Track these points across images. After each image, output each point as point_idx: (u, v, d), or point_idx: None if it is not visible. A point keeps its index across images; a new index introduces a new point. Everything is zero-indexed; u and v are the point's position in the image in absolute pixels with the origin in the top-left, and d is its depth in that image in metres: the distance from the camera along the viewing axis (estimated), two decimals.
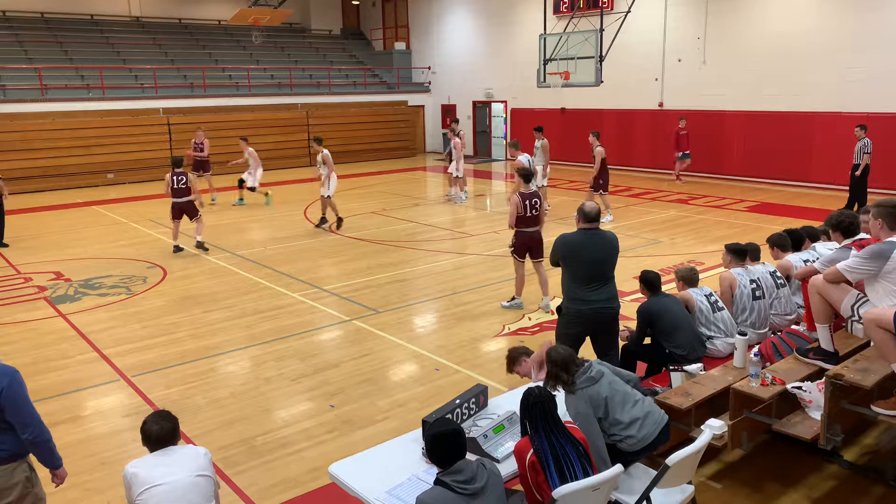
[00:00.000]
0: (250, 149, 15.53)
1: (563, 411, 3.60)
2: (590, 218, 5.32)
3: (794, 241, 6.35)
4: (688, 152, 18.02)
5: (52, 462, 3.62)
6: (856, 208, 11.99)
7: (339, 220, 13.11)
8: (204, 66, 23.18)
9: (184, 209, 11.34)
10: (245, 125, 22.33)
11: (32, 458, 3.59)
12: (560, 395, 3.80)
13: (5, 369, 3.43)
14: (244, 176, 15.81)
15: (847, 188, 13.93)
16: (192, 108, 21.66)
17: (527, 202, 7.99)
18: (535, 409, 3.41)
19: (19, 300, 9.18)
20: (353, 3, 29.44)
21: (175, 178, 11.19)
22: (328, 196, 12.88)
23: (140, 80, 21.77)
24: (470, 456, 3.24)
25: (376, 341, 7.51)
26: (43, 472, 3.66)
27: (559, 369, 3.83)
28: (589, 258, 5.25)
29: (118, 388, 6.44)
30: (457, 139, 15.97)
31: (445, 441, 3.08)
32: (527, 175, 8.16)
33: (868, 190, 13.51)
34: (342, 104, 25.04)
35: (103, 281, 10.00)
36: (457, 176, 15.89)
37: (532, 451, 3.34)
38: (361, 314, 8.37)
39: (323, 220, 13.25)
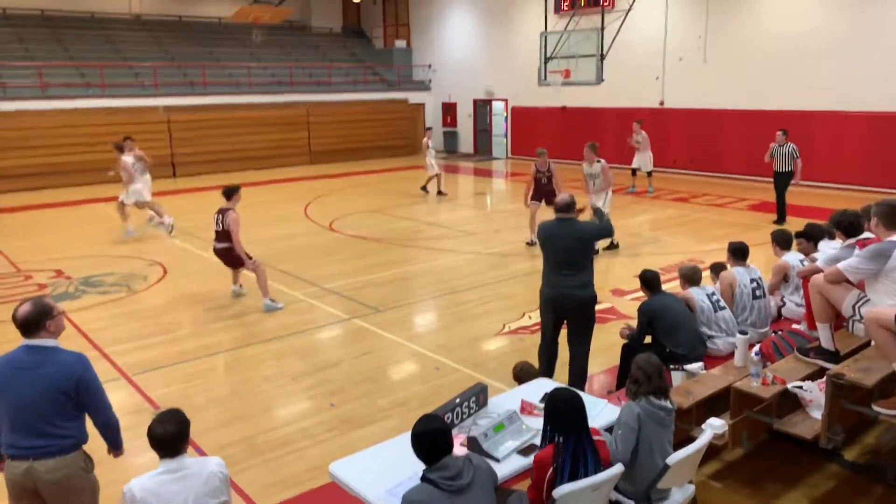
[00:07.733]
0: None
1: None
2: (559, 208, 5.59)
3: (807, 237, 6.22)
4: None
5: (118, 443, 3.82)
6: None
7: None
8: (204, 64, 23.14)
9: None
10: (245, 123, 22.36)
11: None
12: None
13: (78, 356, 3.54)
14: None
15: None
16: (192, 105, 21.62)
17: None
18: (566, 408, 3.35)
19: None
20: (354, 0, 29.40)
21: None
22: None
23: (140, 78, 21.73)
24: (458, 451, 3.23)
25: (376, 340, 7.51)
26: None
27: (646, 377, 3.68)
28: (558, 246, 5.53)
29: (118, 387, 6.43)
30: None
31: (428, 438, 3.06)
32: None
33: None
34: (343, 102, 25.01)
35: (104, 279, 9.99)
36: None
37: (553, 468, 3.26)
38: (362, 313, 8.36)
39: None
